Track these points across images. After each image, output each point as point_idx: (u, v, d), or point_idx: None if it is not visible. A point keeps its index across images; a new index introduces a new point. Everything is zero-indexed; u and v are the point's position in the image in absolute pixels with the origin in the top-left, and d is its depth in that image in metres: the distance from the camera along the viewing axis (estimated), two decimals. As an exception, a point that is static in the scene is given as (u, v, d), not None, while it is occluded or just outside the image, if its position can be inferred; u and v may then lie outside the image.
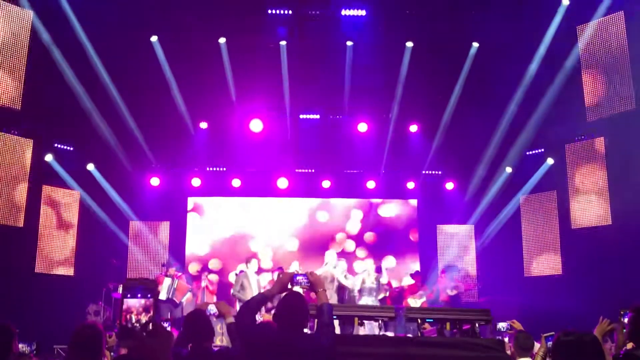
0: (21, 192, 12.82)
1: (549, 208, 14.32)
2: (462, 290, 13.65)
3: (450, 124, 14.85)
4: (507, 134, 14.33)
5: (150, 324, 2.02)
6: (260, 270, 13.40)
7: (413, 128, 15.47)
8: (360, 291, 12.23)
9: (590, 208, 13.04)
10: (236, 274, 13.33)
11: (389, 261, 15.31)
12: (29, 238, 13.27)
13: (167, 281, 12.76)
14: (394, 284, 14.29)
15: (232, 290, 12.40)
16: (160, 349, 1.99)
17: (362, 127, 15.35)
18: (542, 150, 14.45)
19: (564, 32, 13.17)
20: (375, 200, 16.14)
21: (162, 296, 12.59)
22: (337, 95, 14.96)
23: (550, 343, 4.35)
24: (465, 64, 14.20)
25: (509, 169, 14.70)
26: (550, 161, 14.19)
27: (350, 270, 13.81)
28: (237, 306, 12.04)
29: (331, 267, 12.34)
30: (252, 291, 11.71)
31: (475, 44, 14.06)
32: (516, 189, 14.81)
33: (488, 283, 14.34)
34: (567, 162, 13.56)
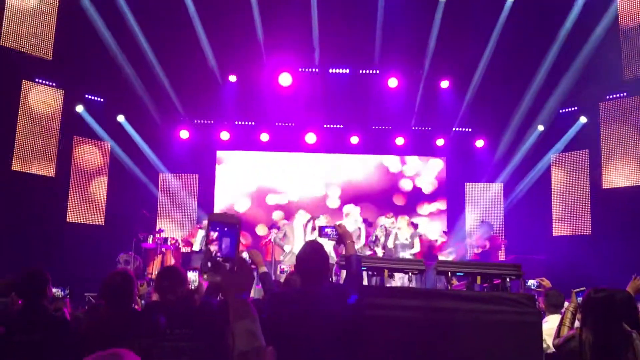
0: (53, 143, 12.99)
1: (580, 167, 14.13)
2: (487, 249, 13.61)
3: (482, 81, 14.60)
4: (541, 91, 14.07)
5: (237, 259, 2.05)
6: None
7: (444, 84, 15.24)
8: (395, 247, 12.26)
9: (622, 168, 12.85)
10: (278, 227, 13.49)
11: (416, 218, 15.27)
12: (61, 188, 13.48)
13: (200, 233, 12.99)
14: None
15: (272, 235, 12.89)
16: (240, 286, 2.04)
17: (393, 82, 15.13)
18: (576, 108, 14.16)
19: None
20: (404, 157, 16.04)
21: (196, 247, 12.90)
22: (367, 49, 14.75)
23: (580, 299, 4.31)
24: (499, 19, 13.88)
25: (541, 127, 14.47)
26: (583, 119, 13.92)
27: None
28: (276, 254, 12.44)
29: (359, 221, 12.39)
30: (294, 241, 11.99)
31: (510, -1, 13.76)
32: (548, 147, 14.60)
33: (516, 241, 14.25)
34: (600, 121, 13.33)
